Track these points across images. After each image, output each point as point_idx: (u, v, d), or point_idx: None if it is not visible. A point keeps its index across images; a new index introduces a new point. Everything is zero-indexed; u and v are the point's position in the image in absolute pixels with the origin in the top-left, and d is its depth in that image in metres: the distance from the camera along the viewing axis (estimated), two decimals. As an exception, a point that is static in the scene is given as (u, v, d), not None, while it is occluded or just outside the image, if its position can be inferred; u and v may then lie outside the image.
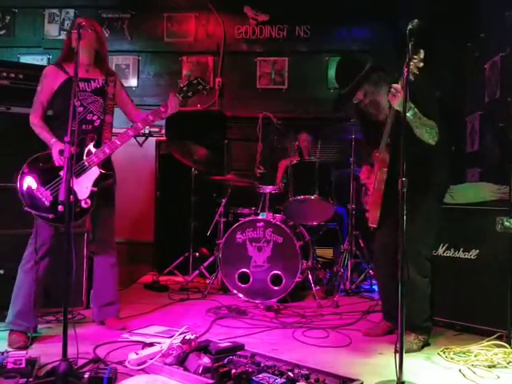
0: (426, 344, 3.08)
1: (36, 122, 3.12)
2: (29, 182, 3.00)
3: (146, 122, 3.25)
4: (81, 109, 3.10)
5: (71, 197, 2.42)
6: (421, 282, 3.05)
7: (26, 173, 3.00)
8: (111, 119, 3.28)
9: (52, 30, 6.53)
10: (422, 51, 2.56)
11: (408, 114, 2.79)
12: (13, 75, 3.59)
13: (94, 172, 3.10)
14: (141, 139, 5.93)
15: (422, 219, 2.99)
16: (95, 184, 3.09)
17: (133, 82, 6.44)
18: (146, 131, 5.92)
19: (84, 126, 3.13)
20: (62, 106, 3.08)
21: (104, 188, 3.16)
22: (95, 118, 3.19)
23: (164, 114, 3.23)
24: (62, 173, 3.00)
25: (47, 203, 3.00)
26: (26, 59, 6.24)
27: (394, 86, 2.77)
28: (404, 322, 2.41)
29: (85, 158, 3.09)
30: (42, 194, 3.00)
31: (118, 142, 3.14)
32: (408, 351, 2.85)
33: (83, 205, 3.04)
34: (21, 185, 2.99)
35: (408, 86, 2.81)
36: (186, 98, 3.31)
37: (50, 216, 2.97)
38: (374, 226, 3.14)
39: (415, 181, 2.92)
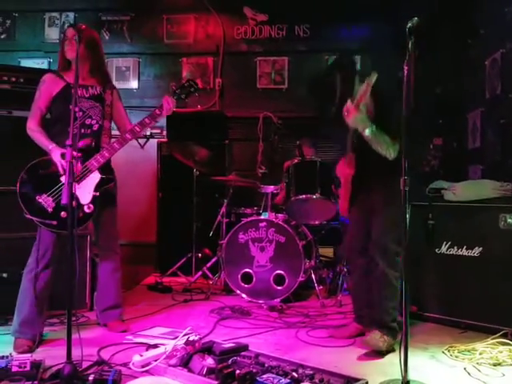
0: (390, 349, 2.93)
1: (33, 127, 3.11)
2: (29, 188, 2.98)
3: (143, 125, 3.24)
4: (80, 114, 3.10)
5: (73, 202, 2.42)
6: (392, 276, 2.97)
7: (26, 180, 2.99)
8: (109, 124, 3.30)
9: (52, 34, 6.52)
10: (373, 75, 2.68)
11: (367, 133, 2.86)
12: (14, 79, 3.60)
13: (95, 177, 3.10)
14: (142, 141, 5.94)
15: (391, 214, 2.94)
16: (97, 189, 3.09)
17: (133, 83, 6.41)
18: (148, 133, 5.93)
19: (83, 130, 3.14)
20: (60, 111, 3.11)
21: (105, 192, 3.15)
22: (94, 122, 3.20)
23: (159, 117, 3.27)
24: (62, 178, 3.01)
25: (50, 210, 2.97)
26: (27, 63, 6.23)
27: (347, 104, 2.82)
28: (407, 318, 2.39)
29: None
30: (43, 200, 2.98)
31: (117, 146, 3.16)
32: (374, 347, 2.86)
33: (86, 210, 3.03)
34: (21, 192, 2.96)
35: (377, 96, 2.90)
36: (180, 101, 3.34)
37: (54, 223, 2.96)
38: (344, 214, 3.40)
39: (386, 176, 2.93)
